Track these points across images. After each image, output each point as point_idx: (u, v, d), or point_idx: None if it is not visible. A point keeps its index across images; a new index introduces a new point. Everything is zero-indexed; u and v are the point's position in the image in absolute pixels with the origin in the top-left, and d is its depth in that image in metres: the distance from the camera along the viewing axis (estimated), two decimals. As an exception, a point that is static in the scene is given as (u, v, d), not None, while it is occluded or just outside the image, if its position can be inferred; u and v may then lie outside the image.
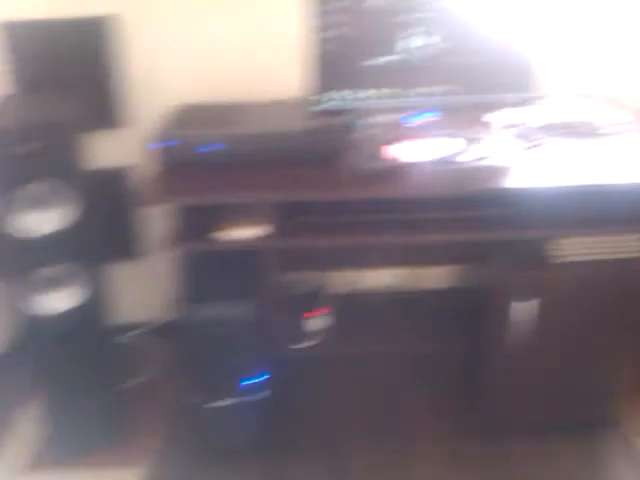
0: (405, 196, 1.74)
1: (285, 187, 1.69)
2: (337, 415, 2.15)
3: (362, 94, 1.77)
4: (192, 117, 1.87)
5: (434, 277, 2.39)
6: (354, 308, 2.27)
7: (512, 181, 1.67)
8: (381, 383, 2.28)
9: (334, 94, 1.76)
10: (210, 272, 1.87)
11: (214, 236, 1.71)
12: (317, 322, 2.13)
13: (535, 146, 1.80)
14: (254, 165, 1.73)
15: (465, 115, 1.90)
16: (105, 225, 1.91)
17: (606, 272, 1.78)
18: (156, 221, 2.12)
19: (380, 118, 1.84)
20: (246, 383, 1.87)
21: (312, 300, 2.20)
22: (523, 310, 1.79)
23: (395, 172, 1.72)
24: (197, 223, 1.74)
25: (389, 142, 1.80)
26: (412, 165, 1.74)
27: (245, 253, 1.78)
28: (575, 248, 1.76)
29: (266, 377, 1.88)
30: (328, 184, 1.70)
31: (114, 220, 2.22)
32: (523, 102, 1.82)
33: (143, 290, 2.38)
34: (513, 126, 1.90)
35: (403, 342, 2.16)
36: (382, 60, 1.73)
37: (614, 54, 2.13)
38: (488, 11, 1.71)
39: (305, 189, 1.69)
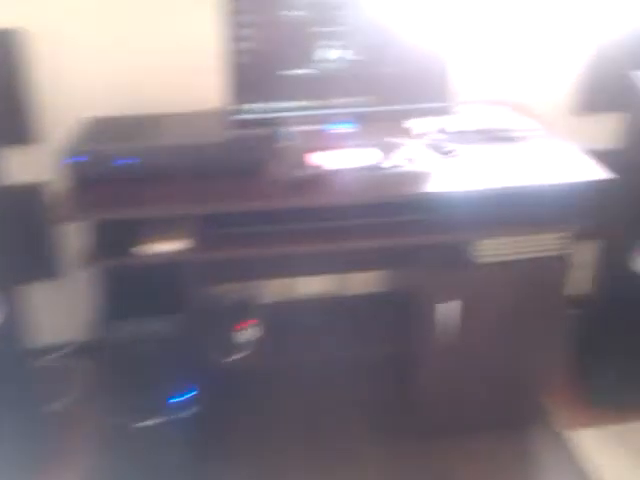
0: (329, 204, 1.74)
1: (207, 199, 1.66)
2: (271, 427, 2.13)
3: (281, 105, 1.75)
4: (106, 130, 1.81)
5: (363, 282, 2.41)
6: (284, 317, 2.26)
7: (433, 186, 1.70)
8: (315, 391, 2.27)
9: (253, 105, 1.73)
10: (132, 288, 1.81)
11: (134, 251, 1.67)
12: (247, 334, 2.10)
13: (452, 152, 1.84)
14: (173, 178, 1.70)
15: (384, 124, 1.92)
16: (20, 244, 1.83)
17: (527, 270, 1.84)
18: (74, 238, 2.05)
19: (301, 128, 1.84)
20: (175, 400, 1.82)
21: (241, 312, 2.17)
22: (449, 311, 1.83)
23: (318, 180, 1.72)
24: (116, 238, 1.68)
25: (311, 152, 1.81)
26: (335, 173, 1.75)
27: (168, 267, 1.73)
28: (496, 248, 1.81)
29: (195, 393, 1.83)
30: (251, 194, 1.68)
31: (29, 239, 2.13)
32: (439, 110, 1.86)
33: (64, 310, 2.29)
34: (430, 133, 1.94)
35: (334, 349, 2.16)
36: (300, 71, 1.72)
37: (522, 62, 2.21)
38: (402, 23, 1.74)
39: (227, 200, 1.66)
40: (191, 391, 1.82)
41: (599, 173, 1.73)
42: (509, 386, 2.01)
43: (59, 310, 2.29)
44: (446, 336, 1.86)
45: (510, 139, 1.89)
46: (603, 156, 1.94)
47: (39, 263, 2.20)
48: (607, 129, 2.29)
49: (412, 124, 1.98)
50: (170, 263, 1.70)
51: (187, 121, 1.88)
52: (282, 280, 2.35)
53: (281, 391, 2.28)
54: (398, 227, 1.76)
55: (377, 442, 2.06)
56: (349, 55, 1.73)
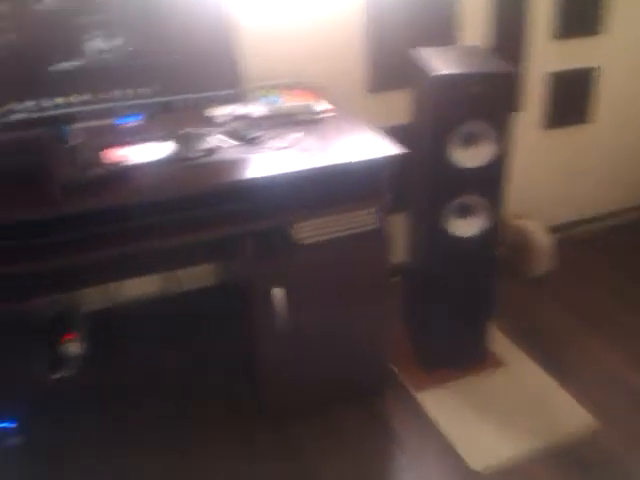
0: (135, 202, 1.61)
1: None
2: (123, 428, 2.01)
3: (51, 102, 1.60)
4: None
5: (195, 277, 2.33)
6: (112, 325, 2.15)
7: (242, 174, 1.66)
8: (158, 393, 2.16)
9: (16, 105, 1.56)
10: None
11: None
12: (73, 346, 1.96)
13: (256, 138, 1.81)
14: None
15: (180, 115, 1.83)
16: None
17: (346, 247, 1.86)
18: None
19: (87, 125, 1.70)
20: None
21: (64, 324, 2.03)
22: (281, 294, 1.81)
23: (117, 178, 1.61)
24: None
25: (103, 149, 1.69)
26: (135, 169, 1.65)
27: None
28: (314, 230, 1.82)
29: (18, 420, 1.66)
30: (40, 200, 1.52)
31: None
32: (234, 97, 1.80)
33: None
34: (231, 121, 1.90)
35: (173, 349, 2.09)
36: (72, 64, 1.58)
37: (313, 43, 2.23)
38: (181, 8, 1.65)
39: (14, 209, 1.51)
40: (14, 418, 1.64)
41: (393, 148, 1.77)
42: (352, 358, 2.03)
43: None
44: (279, 320, 1.84)
45: (310, 122, 1.88)
46: (397, 131, 2.01)
47: None
48: (401, 105, 2.36)
49: (211, 113, 1.93)
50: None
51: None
52: (111, 283, 2.20)
53: (118, 403, 2.12)
54: (212, 219, 1.70)
55: (232, 433, 2.01)
56: (127, 45, 1.62)
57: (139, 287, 2.27)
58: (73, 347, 1.96)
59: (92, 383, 2.08)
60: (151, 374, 2.17)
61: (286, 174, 1.67)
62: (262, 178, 1.66)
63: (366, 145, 1.81)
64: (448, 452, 1.95)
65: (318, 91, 2.13)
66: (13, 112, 1.56)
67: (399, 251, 2.28)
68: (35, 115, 1.58)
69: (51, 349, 1.95)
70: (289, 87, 2.10)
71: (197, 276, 2.34)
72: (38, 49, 1.54)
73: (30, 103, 1.57)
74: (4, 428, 1.63)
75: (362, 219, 1.86)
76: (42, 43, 1.54)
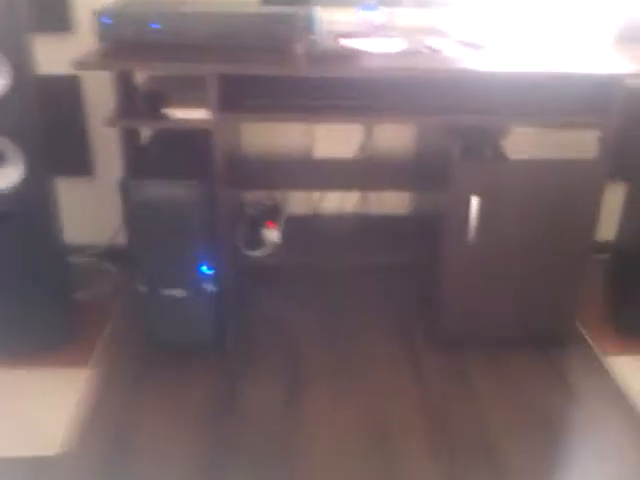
0: (358, 76, 1.74)
1: (236, 63, 1.67)
2: (290, 322, 2.13)
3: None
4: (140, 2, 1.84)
5: (391, 202, 2.40)
6: (309, 227, 2.29)
7: (463, 67, 1.69)
8: (336, 297, 2.27)
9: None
10: (157, 153, 1.85)
11: (160, 114, 1.69)
12: (271, 234, 2.13)
13: (482, 46, 1.84)
14: (201, 46, 1.71)
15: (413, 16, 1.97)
16: (56, 135, 1.84)
17: (560, 172, 1.77)
18: (105, 139, 2.09)
19: (331, 13, 1.87)
20: (199, 274, 1.82)
21: (270, 214, 2.23)
22: (478, 204, 1.77)
23: (350, 56, 1.73)
24: (141, 104, 1.73)
25: (342, 35, 1.83)
26: (366, 54, 1.76)
27: (194, 136, 1.76)
28: (527, 144, 1.78)
29: (216, 272, 1.83)
30: (280, 63, 1.68)
31: (66, 131, 2.16)
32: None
33: (92, 212, 2.33)
34: (460, 30, 1.94)
35: (356, 257, 2.17)
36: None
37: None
38: None
39: (253, 65, 1.67)
40: (213, 269, 1.82)
41: (630, 66, 1.68)
42: (538, 299, 1.92)
43: (89, 212, 2.33)
44: (471, 232, 1.79)
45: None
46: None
47: (72, 159, 2.24)
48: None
49: (441, 20, 2.00)
50: (195, 127, 1.72)
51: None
52: (307, 194, 2.37)
53: (301, 291, 2.29)
54: (431, 107, 1.75)
55: (398, 348, 2.02)
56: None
57: (339, 202, 2.39)
58: (272, 234, 2.12)
59: (278, 269, 2.30)
60: (328, 278, 2.33)
61: (509, 73, 1.68)
62: (483, 72, 1.67)
63: (596, 60, 1.74)
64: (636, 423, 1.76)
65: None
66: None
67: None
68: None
69: (255, 231, 2.13)
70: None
71: (394, 203, 2.40)
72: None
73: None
74: (204, 273, 1.81)
75: (581, 143, 1.77)
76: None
